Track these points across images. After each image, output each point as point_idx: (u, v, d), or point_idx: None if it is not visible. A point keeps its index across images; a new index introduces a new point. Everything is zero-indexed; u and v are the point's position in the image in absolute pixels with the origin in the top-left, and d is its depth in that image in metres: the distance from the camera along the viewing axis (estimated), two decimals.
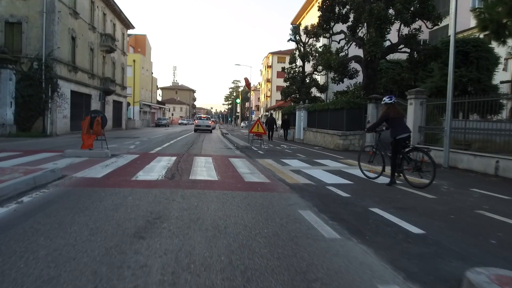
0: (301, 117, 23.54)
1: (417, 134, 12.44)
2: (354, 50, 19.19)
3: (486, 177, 8.88)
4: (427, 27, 16.94)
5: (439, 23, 16.89)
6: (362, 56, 18.99)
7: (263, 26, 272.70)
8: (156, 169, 8.10)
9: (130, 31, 48.23)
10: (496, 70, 18.17)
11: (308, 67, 29.43)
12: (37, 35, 20.39)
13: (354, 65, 19.63)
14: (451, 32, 10.53)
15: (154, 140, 19.68)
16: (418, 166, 6.77)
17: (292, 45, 31.63)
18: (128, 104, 42.10)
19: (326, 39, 29.52)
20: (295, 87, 29.53)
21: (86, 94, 27.15)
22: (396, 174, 7.02)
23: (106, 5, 31.05)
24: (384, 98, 7.31)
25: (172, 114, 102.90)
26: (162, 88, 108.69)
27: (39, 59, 20.29)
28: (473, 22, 26.65)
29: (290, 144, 20.04)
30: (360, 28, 18.84)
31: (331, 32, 19.27)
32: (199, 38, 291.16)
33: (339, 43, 19.35)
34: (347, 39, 18.49)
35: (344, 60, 18.27)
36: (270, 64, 74.65)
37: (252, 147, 15.86)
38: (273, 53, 74.00)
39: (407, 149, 7.03)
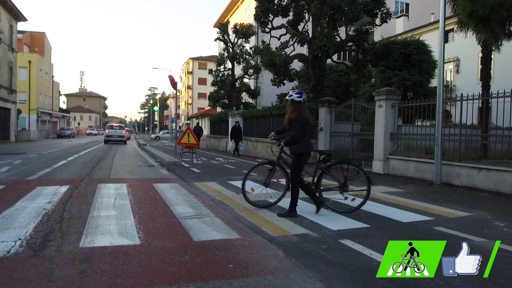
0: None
1: (388, 143, 10.28)
2: (295, 49, 16.88)
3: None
4: (374, 24, 15.31)
5: (387, 20, 15.35)
6: (305, 54, 16.81)
7: (181, 31, 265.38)
8: (19, 221, 4.32)
9: (23, 27, 40.78)
10: (435, 74, 17.45)
11: (238, 70, 26.75)
12: None
13: (293, 65, 17.34)
14: (440, 22, 8.51)
15: (46, 156, 14.85)
16: (344, 184, 5.16)
17: (215, 50, 28.91)
18: (19, 111, 34.65)
19: (256, 37, 27.47)
20: (225, 92, 26.57)
21: None
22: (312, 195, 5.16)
23: None
24: (291, 93, 5.05)
25: (79, 124, 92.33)
26: (67, 95, 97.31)
27: None
28: (411, 24, 26.82)
29: (228, 156, 16.85)
30: (302, 23, 16.64)
31: (270, 26, 16.67)
32: (111, 42, 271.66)
33: (279, 39, 16.85)
34: (290, 34, 16.05)
35: (287, 58, 15.77)
36: (190, 70, 70.81)
37: (182, 163, 12.35)
38: (193, 59, 70.37)
39: (328, 163, 5.29)
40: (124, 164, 12.30)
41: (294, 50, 16.21)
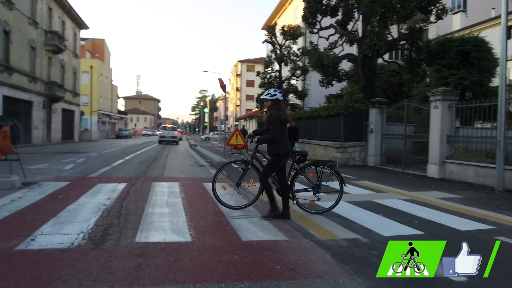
0: None
1: (445, 146, 9.72)
2: (344, 49, 16.52)
3: None
4: (429, 21, 14.53)
5: (443, 17, 14.51)
6: (355, 54, 16.42)
7: (231, 34, 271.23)
8: (81, 215, 4.67)
9: (86, 35, 43.85)
10: (496, 72, 16.19)
11: (286, 72, 26.72)
12: None
13: (342, 65, 16.99)
14: (502, 17, 7.92)
15: (105, 156, 15.88)
16: (318, 185, 5.12)
17: (263, 53, 29.11)
18: (82, 113, 37.39)
19: (303, 38, 27.28)
20: None
21: (25, 100, 22.77)
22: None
23: None
24: (270, 91, 4.92)
25: (135, 125, 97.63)
26: (124, 98, 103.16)
27: None
28: (469, 20, 25.19)
29: None
30: (351, 22, 16.27)
31: (318, 26, 16.47)
32: (165, 47, 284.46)
33: (327, 39, 16.60)
34: (338, 34, 15.75)
35: (336, 58, 15.49)
36: (239, 73, 71.97)
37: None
38: (242, 61, 71.47)
39: (302, 164, 5.17)
40: (176, 163, 12.81)
41: (343, 50, 15.89)
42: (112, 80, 58.50)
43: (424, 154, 10.57)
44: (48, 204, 5.32)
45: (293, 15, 32.59)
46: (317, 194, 5.17)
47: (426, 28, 14.52)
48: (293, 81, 27.00)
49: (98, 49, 53.98)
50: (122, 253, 3.30)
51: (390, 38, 13.89)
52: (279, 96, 4.85)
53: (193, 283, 2.69)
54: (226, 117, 68.95)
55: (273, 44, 26.70)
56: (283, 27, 25.80)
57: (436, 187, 8.13)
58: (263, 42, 28.39)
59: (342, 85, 18.05)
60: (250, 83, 68.20)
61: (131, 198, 5.91)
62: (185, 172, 10.15)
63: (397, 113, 12.37)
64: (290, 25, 26.24)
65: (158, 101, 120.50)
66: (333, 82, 16.74)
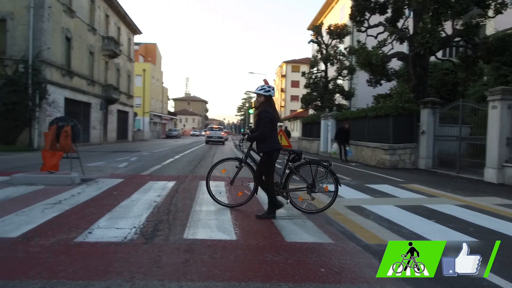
0: (327, 127, 20.27)
1: (504, 149, 9.05)
2: (394, 47, 15.91)
3: None
4: (486, 16, 13.56)
5: (503, 11, 13.48)
6: (405, 52, 15.78)
7: (276, 35, 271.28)
8: (134, 211, 4.93)
9: (139, 39, 46.09)
10: None
11: (332, 71, 26.28)
12: (23, 33, 17.71)
13: (391, 64, 16.37)
14: None
15: (156, 154, 16.59)
16: (312, 184, 5.06)
17: (308, 53, 28.80)
18: (135, 114, 39.39)
19: (351, 37, 26.65)
20: (317, 94, 26.36)
21: (84, 102, 24.39)
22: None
23: (109, 6, 28.53)
24: (265, 87, 4.86)
25: (184, 125, 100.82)
26: (174, 99, 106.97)
27: (25, 61, 17.56)
28: None
29: (320, 159, 16.67)
30: (401, 20, 15.64)
31: (366, 25, 16.02)
32: (212, 49, 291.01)
33: (376, 37, 16.09)
34: (388, 31, 15.22)
35: (385, 57, 14.97)
36: (284, 74, 71.92)
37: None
38: (287, 62, 71.34)
39: (297, 163, 5.14)
40: (222, 163, 13.04)
41: (392, 48, 15.32)
42: (163, 83, 60.99)
43: (480, 157, 9.90)
44: (104, 199, 5.68)
45: (340, 14, 31.96)
46: (312, 194, 5.10)
47: (484, 23, 13.57)
48: (339, 81, 26.49)
49: (150, 53, 56.54)
50: (171, 249, 3.44)
51: (443, 35, 13.16)
52: (273, 93, 4.84)
53: (238, 281, 2.74)
54: None
55: (319, 44, 26.36)
56: (329, 27, 25.40)
57: (494, 192, 7.60)
58: (309, 42, 28.17)
59: (391, 84, 17.41)
60: (295, 84, 67.89)
61: (179, 196, 6.14)
62: (231, 171, 10.31)
63: (451, 114, 11.70)
64: (337, 24, 25.76)
65: (206, 102, 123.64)
66: (382, 82, 16.20)
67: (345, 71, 25.09)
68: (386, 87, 17.17)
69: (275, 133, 4.88)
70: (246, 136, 5.10)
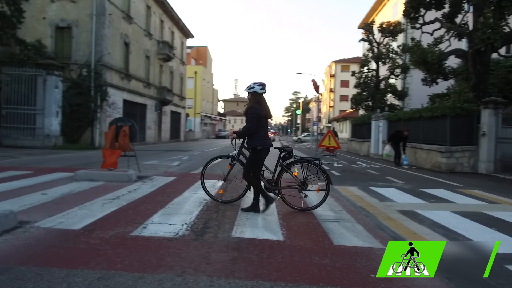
0: (378, 128, 19.60)
1: None
2: (452, 44, 15.01)
3: None
4: None
5: None
6: (464, 49, 14.83)
7: (325, 34, 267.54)
8: (185, 208, 5.12)
9: (191, 43, 47.70)
10: None
11: (383, 70, 25.37)
12: (86, 39, 19.08)
13: (448, 62, 15.45)
14: None
15: (206, 154, 17.08)
16: (304, 182, 5.11)
17: (359, 52, 28.00)
18: (187, 115, 40.87)
19: (404, 35, 25.55)
20: (368, 93, 25.59)
21: (141, 104, 25.73)
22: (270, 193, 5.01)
23: (163, 12, 29.84)
24: (250, 84, 4.91)
25: (233, 126, 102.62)
26: (223, 100, 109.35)
27: (88, 65, 18.90)
28: None
29: (370, 161, 16.20)
30: (459, 15, 14.75)
31: (421, 21, 15.28)
32: (260, 51, 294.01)
33: (432, 34, 15.30)
34: (445, 27, 14.41)
35: (441, 54, 14.18)
36: (333, 73, 70.67)
37: (323, 166, 12.43)
38: (336, 62, 70.04)
39: (288, 161, 5.19)
40: (269, 164, 13.08)
41: (450, 45, 14.48)
42: (213, 84, 62.64)
43: None
44: (158, 196, 5.96)
45: (393, 11, 30.77)
46: (303, 192, 5.12)
47: None
48: (391, 80, 25.52)
49: (201, 56, 58.33)
50: (219, 246, 3.54)
51: (507, 30, 12.20)
52: (257, 89, 4.81)
53: (284, 282, 2.75)
54: (319, 119, 68.14)
55: (370, 42, 25.59)
56: (381, 24, 24.57)
57: None
58: (360, 41, 27.43)
59: (448, 83, 16.45)
60: (344, 84, 66.45)
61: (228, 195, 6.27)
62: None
63: None
64: (389, 21, 24.86)
65: None
66: (438, 81, 15.38)
67: (398, 70, 24.14)
68: (442, 86, 16.25)
69: (263, 130, 4.92)
70: (235, 134, 5.11)
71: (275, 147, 5.41)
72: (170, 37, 32.25)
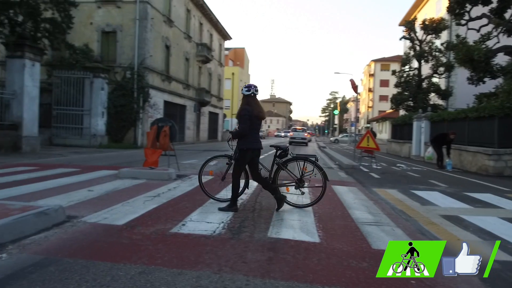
0: (420, 128, 18.88)
1: None
2: (500, 41, 14.15)
3: None
4: None
5: None
6: None
7: (364, 33, 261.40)
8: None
9: (229, 45, 48.38)
10: None
11: (426, 69, 24.39)
12: (130, 43, 19.90)
13: (497, 60, 14.56)
14: None
15: None
16: (301, 179, 5.22)
17: (399, 50, 27.06)
18: (225, 116, 41.51)
19: (448, 32, 24.39)
20: (409, 93, 24.70)
21: (180, 105, 26.43)
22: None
23: (202, 15, 30.48)
24: (244, 86, 5.06)
25: (269, 126, 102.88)
26: (260, 101, 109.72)
27: (131, 68, 19.72)
28: None
29: (411, 163, 15.64)
30: (509, 10, 13.88)
31: (467, 17, 14.55)
32: (297, 51, 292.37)
33: (478, 31, 14.53)
34: (493, 23, 13.62)
35: (489, 52, 13.42)
36: (372, 73, 68.81)
37: (361, 167, 12.19)
38: (375, 61, 68.13)
39: (284, 159, 5.29)
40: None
41: (498, 42, 13.68)
42: None
43: None
44: (196, 195, 6.10)
45: (436, 7, 29.49)
46: (300, 189, 5.21)
47: None
48: (435, 79, 24.48)
49: (239, 57, 58.92)
50: (255, 246, 3.57)
51: None
52: (244, 91, 4.95)
53: (321, 285, 2.73)
54: (357, 119, 66.64)
55: (411, 40, 24.72)
56: (424, 21, 23.65)
57: None
58: (401, 39, 26.55)
59: (496, 82, 15.53)
60: (384, 83, 64.53)
61: (264, 195, 6.31)
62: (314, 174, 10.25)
63: None
64: (432, 18, 23.87)
65: (290, 103, 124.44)
66: (485, 79, 14.56)
67: (441, 69, 23.14)
68: (490, 85, 15.36)
69: (255, 131, 4.97)
70: (231, 135, 5.19)
71: (271, 145, 5.71)
72: (209, 39, 32.86)
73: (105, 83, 18.03)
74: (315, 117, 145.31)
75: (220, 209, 4.94)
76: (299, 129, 34.65)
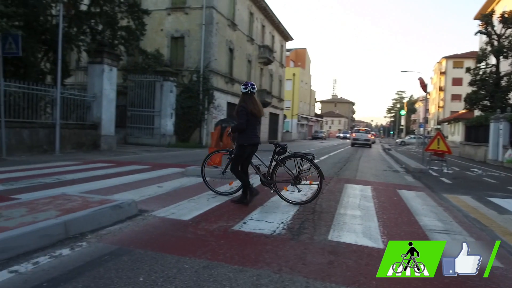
0: (498, 130, 17.23)
1: None
2: None
3: None
4: None
5: None
6: None
7: (434, 29, 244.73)
8: (282, 207, 5.25)
9: (290, 45, 48.38)
10: None
11: (505, 66, 22.19)
12: (196, 47, 20.80)
13: None
14: None
15: None
16: (297, 177, 5.24)
17: (475, 46, 24.89)
18: (285, 116, 41.58)
19: None
20: (486, 92, 22.68)
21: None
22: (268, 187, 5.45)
23: (265, 17, 30.83)
24: (241, 86, 5.34)
25: (330, 127, 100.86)
26: (321, 102, 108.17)
27: (197, 71, 20.61)
28: None
29: (487, 168, 14.34)
30: None
31: None
32: (361, 49, 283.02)
33: None
34: None
35: None
36: (443, 70, 64.20)
37: (430, 172, 11.46)
38: (447, 58, 63.50)
39: (282, 156, 5.36)
40: (369, 167, 12.61)
41: None
42: (311, 86, 62.42)
43: None
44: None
45: None
46: (297, 186, 5.29)
47: None
48: None
49: (300, 58, 58.63)
50: (315, 248, 3.55)
51: None
52: (242, 89, 5.22)
53: None
54: (426, 120, 62.61)
55: (488, 34, 22.67)
56: (503, 14, 21.57)
57: None
58: (476, 34, 24.51)
59: None
60: (456, 81, 59.91)
61: (324, 197, 6.23)
62: (377, 177, 9.88)
63: None
64: None
65: (353, 104, 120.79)
66: None
67: None
68: None
69: (251, 128, 5.22)
70: (230, 130, 5.43)
71: (270, 142, 5.95)
72: (271, 41, 33.14)
73: (174, 86, 19.02)
74: (380, 118, 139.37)
75: (232, 201, 5.32)
76: (362, 130, 33.51)
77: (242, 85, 5.32)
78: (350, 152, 22.02)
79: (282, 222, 4.39)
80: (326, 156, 17.14)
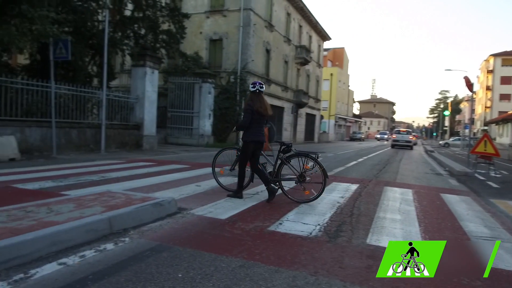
0: None
1: None
2: None
3: None
4: None
5: None
6: None
7: (480, 25, 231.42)
8: (318, 209, 5.19)
9: (328, 45, 47.81)
10: None
11: None
12: (234, 49, 21.09)
13: None
14: None
15: (341, 156, 16.84)
16: (302, 175, 5.35)
17: None
18: (322, 117, 41.07)
19: None
20: None
21: (278, 106, 27.02)
22: (273, 184, 5.45)
23: (302, 17, 30.66)
24: (250, 85, 5.46)
25: (369, 128, 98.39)
26: (359, 102, 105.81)
27: (235, 72, 20.87)
28: None
29: None
30: None
31: None
32: (402, 48, 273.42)
33: None
34: None
35: None
36: (491, 69, 60.75)
37: (476, 175, 10.86)
38: (495, 55, 60.03)
39: (287, 154, 5.46)
40: (410, 169, 12.18)
41: None
42: (349, 86, 61.24)
43: None
44: (293, 195, 6.17)
45: None
46: (302, 184, 5.36)
47: None
48: None
49: (338, 57, 57.67)
50: (353, 251, 3.48)
51: None
52: (250, 87, 5.43)
53: None
54: (472, 121, 59.21)
55: None
56: None
57: None
58: None
59: None
60: (505, 80, 56.52)
61: (362, 200, 6.09)
62: (419, 180, 9.52)
63: None
64: None
65: (393, 104, 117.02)
66: None
67: None
68: None
69: (257, 125, 5.36)
70: (235, 127, 5.63)
71: (276, 141, 6.11)
72: (308, 41, 32.88)
73: (212, 88, 19.39)
74: (422, 119, 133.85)
75: (228, 196, 5.49)
76: (403, 131, 32.38)
77: (251, 84, 5.49)
78: (390, 153, 21.35)
79: (319, 224, 4.35)
80: (365, 157, 16.73)
